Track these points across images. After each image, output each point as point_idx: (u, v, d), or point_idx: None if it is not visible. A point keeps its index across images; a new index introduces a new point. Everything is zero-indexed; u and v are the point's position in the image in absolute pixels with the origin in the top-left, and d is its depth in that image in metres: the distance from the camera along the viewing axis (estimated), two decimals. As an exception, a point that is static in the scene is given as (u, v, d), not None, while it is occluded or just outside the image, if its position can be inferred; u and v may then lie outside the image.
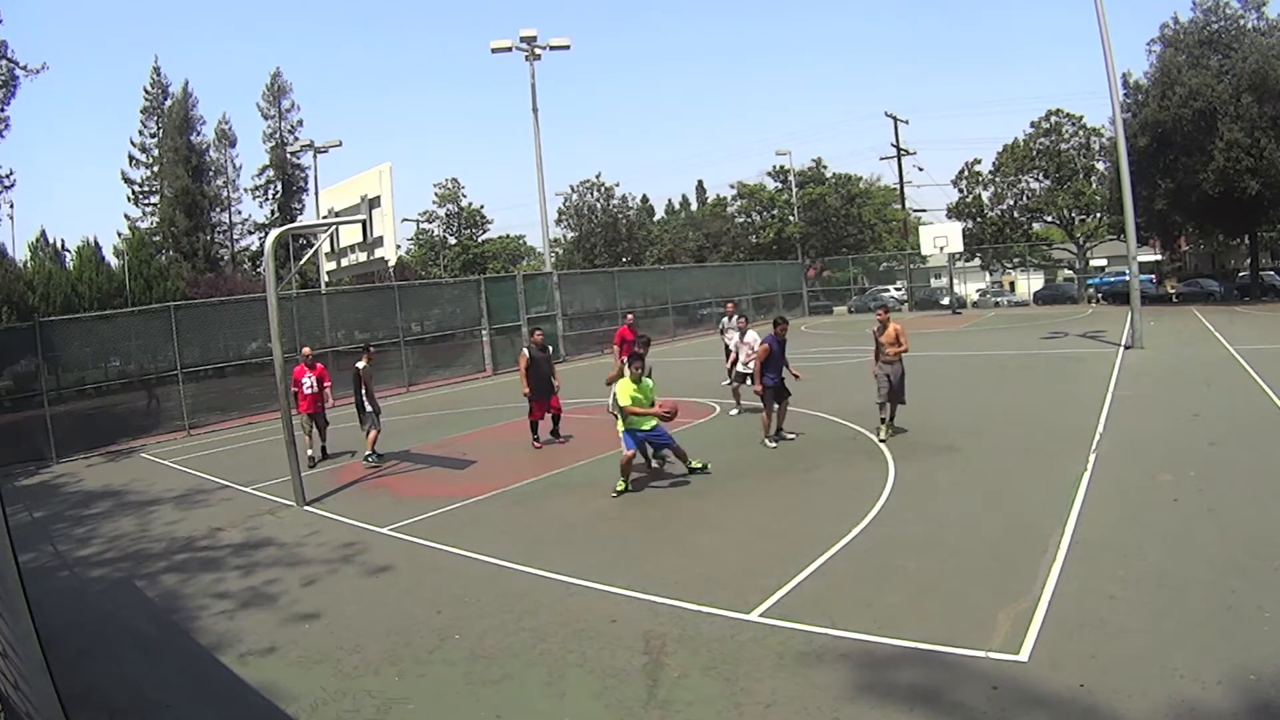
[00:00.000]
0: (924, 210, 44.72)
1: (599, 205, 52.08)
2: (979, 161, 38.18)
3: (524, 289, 23.04)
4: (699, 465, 8.27)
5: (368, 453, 10.25)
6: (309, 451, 10.67)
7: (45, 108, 67.34)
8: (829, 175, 44.64)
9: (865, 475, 7.71)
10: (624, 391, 8.07)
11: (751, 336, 11.35)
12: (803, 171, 44.37)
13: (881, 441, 9.08)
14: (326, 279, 21.77)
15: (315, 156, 31.42)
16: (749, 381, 10.63)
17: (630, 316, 14.39)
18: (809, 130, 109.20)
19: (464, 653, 4.54)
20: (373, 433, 10.28)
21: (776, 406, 9.53)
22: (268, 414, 15.34)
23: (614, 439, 10.55)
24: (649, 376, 8.42)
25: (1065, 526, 5.75)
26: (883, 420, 9.41)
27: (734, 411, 12.16)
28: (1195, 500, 6.17)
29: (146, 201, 39.68)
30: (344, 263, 10.72)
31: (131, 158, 39.51)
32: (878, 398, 9.37)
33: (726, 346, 15.14)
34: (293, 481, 8.45)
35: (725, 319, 15.37)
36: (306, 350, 11.27)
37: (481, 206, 56.06)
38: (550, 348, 10.90)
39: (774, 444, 9.39)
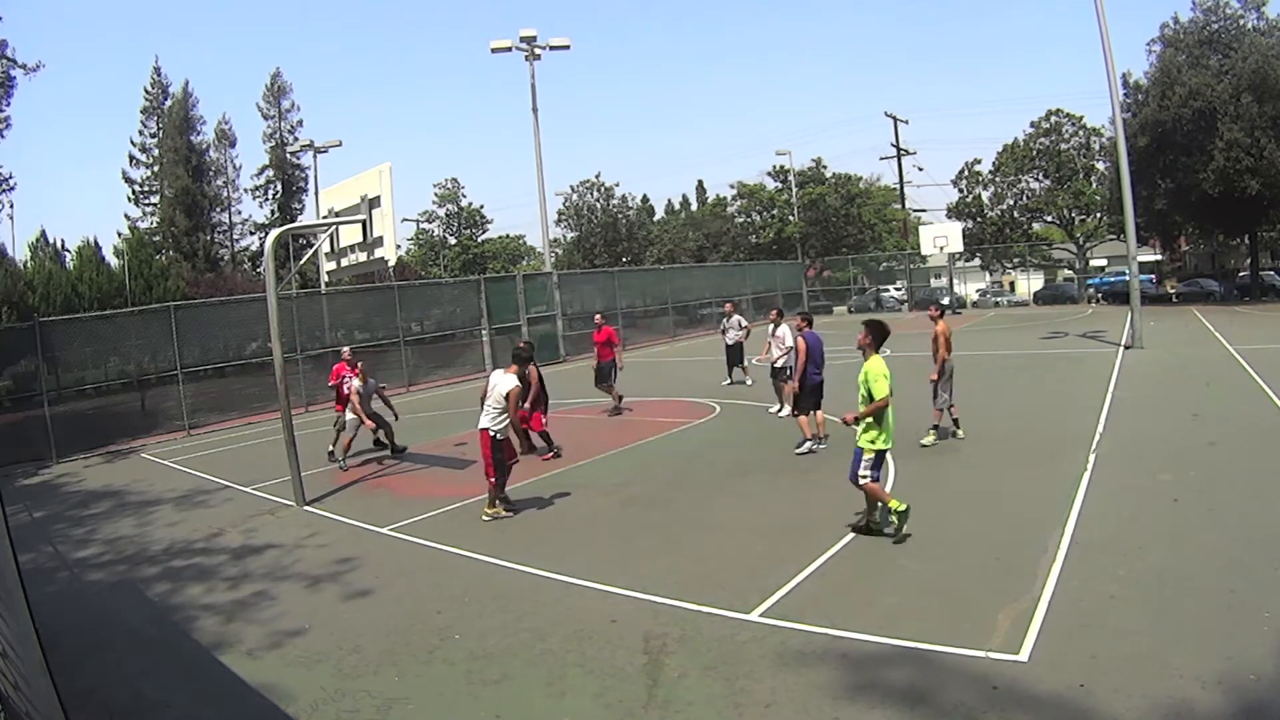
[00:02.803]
0: (924, 210, 44.75)
1: (599, 205, 52.07)
2: (979, 161, 38.21)
3: (524, 289, 23.04)
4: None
5: (332, 448, 10.41)
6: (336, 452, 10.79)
7: (45, 108, 67.37)
8: (829, 175, 44.64)
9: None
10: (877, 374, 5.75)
11: (783, 331, 10.91)
12: (803, 171, 44.37)
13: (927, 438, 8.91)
14: (326, 279, 21.75)
15: (315, 156, 31.48)
16: (788, 376, 10.19)
17: (599, 317, 13.85)
18: (809, 130, 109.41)
19: (464, 653, 4.54)
20: (346, 437, 10.17)
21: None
22: (268, 414, 15.34)
23: (612, 439, 10.63)
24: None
25: (1065, 526, 5.75)
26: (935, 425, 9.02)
27: (775, 410, 11.45)
28: (1195, 500, 6.17)
29: (146, 201, 39.70)
30: (344, 263, 10.72)
31: (132, 158, 39.56)
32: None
33: (727, 346, 15.19)
34: (293, 482, 8.45)
35: (725, 319, 15.43)
36: (347, 351, 11.22)
37: (481, 206, 56.12)
38: (526, 354, 8.90)
39: (802, 450, 8.73)
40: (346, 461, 10.15)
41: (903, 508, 5.68)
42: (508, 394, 7.00)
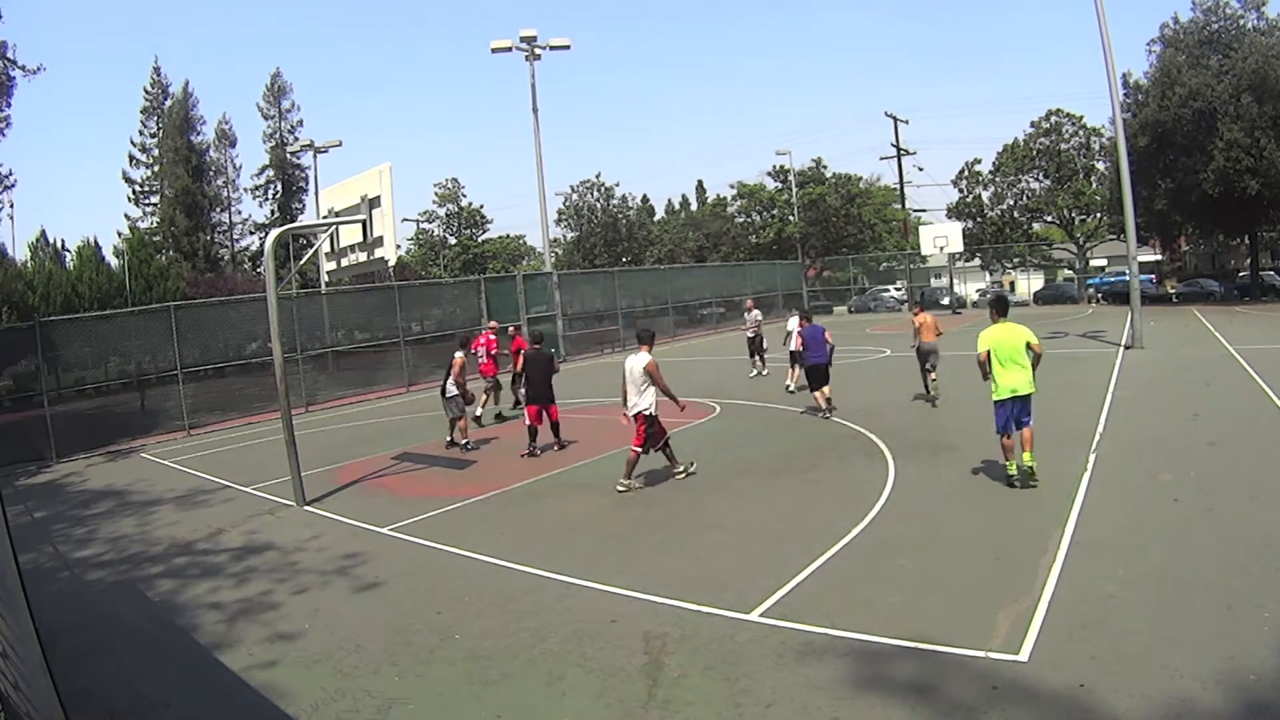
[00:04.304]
0: (924, 210, 44.73)
1: (599, 205, 52.05)
2: (979, 161, 38.24)
3: (524, 289, 23.04)
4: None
5: (464, 441, 10.67)
6: (478, 411, 12.41)
7: (46, 108, 67.44)
8: (829, 175, 44.62)
9: (865, 475, 7.72)
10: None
11: (793, 324, 13.27)
12: (803, 171, 44.35)
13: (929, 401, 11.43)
14: (326, 279, 21.77)
15: (315, 156, 31.45)
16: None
17: (511, 329, 14.32)
18: (809, 130, 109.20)
19: (464, 653, 4.54)
20: (463, 420, 10.69)
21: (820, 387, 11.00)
22: (268, 414, 15.33)
23: (612, 440, 10.59)
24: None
25: (1065, 526, 5.75)
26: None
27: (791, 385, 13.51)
28: (1195, 500, 6.17)
29: (147, 201, 39.71)
30: (344, 263, 10.73)
31: (132, 158, 39.57)
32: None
33: (748, 339, 16.50)
34: (293, 481, 8.45)
35: (746, 314, 16.97)
36: (494, 324, 13.07)
37: (481, 206, 56.04)
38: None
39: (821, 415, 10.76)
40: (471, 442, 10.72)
41: (1013, 471, 6.82)
42: (645, 367, 7.74)
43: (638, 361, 7.84)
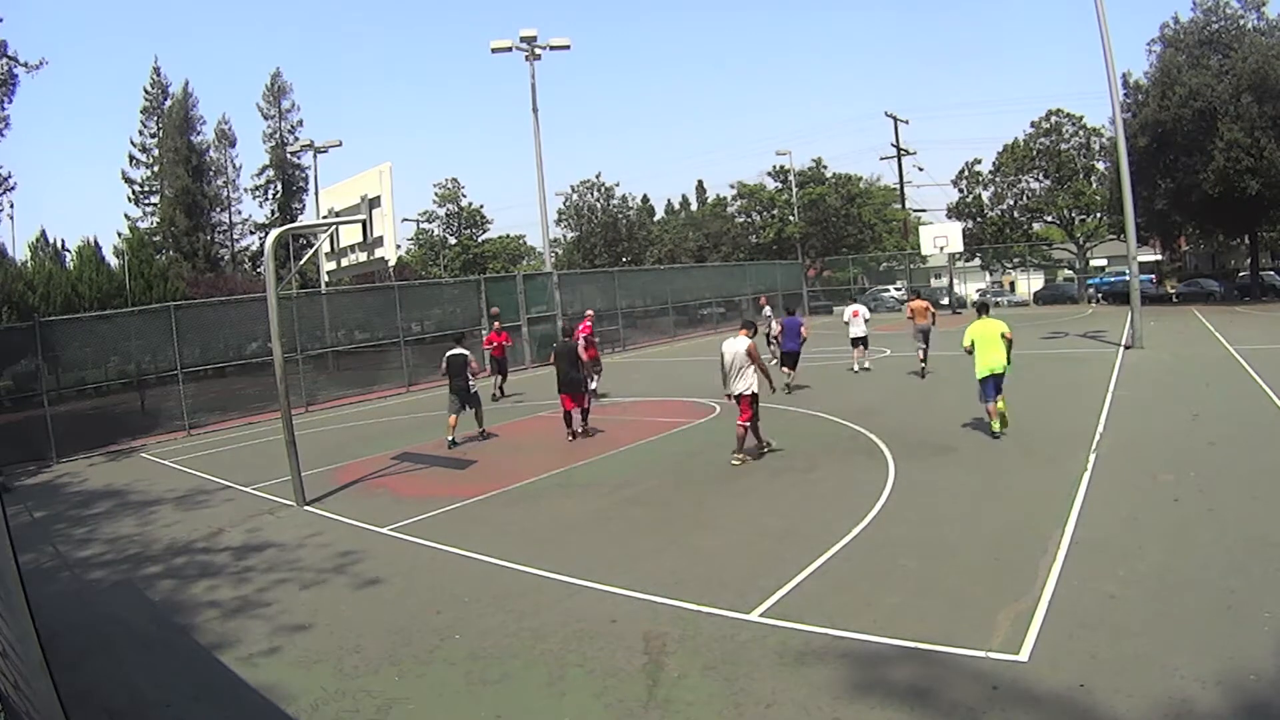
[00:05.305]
0: (924, 210, 44.72)
1: (599, 205, 51.99)
2: (979, 161, 38.20)
3: (524, 289, 23.04)
4: None
5: (481, 429, 11.23)
6: (592, 385, 13.12)
7: (45, 108, 67.39)
8: (829, 175, 44.62)
9: (865, 475, 7.71)
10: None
11: (847, 313, 15.43)
12: (803, 171, 44.34)
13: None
14: (326, 279, 21.76)
15: (315, 156, 31.46)
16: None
17: (497, 323, 15.97)
18: (809, 130, 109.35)
19: (464, 653, 4.54)
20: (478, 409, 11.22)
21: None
22: (268, 414, 15.33)
23: (612, 439, 10.64)
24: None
25: (1065, 526, 5.75)
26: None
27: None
28: (1195, 500, 6.17)
29: (147, 201, 39.73)
30: (344, 263, 10.74)
31: (131, 158, 39.60)
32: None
33: (767, 334, 17.04)
34: (293, 481, 8.44)
35: (759, 311, 18.02)
36: (591, 313, 14.78)
37: (481, 206, 55.97)
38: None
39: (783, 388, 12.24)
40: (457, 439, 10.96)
41: (995, 427, 8.86)
42: (747, 350, 8.43)
43: (739, 345, 8.51)
